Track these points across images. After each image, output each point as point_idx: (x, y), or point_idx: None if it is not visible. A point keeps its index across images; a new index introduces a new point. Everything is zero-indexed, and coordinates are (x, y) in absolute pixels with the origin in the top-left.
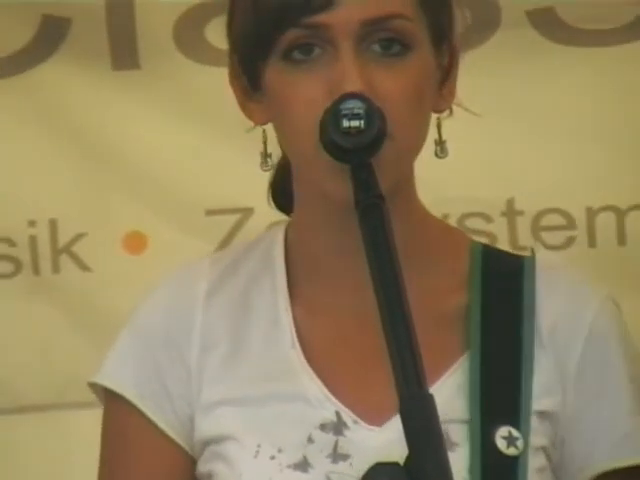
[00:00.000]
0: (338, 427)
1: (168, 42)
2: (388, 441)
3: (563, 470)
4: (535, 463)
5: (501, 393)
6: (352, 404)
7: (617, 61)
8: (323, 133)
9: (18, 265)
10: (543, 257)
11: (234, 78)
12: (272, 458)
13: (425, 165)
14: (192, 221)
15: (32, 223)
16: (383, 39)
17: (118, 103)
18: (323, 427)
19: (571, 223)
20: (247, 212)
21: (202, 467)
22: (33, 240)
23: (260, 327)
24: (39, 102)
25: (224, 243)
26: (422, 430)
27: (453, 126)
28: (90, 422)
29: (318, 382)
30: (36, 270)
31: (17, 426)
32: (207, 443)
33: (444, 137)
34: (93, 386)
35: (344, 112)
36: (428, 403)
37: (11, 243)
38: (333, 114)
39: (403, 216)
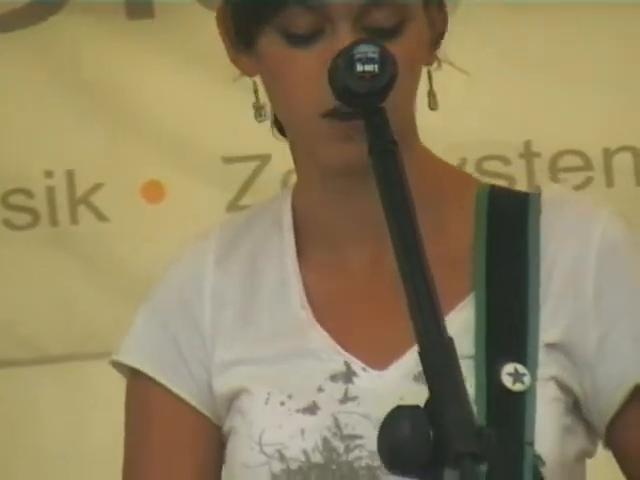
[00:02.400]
0: (347, 376)
1: None
2: (393, 381)
3: (601, 393)
4: (545, 394)
5: (507, 330)
6: (360, 353)
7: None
8: (335, 79)
9: (36, 216)
10: (549, 190)
11: (224, 28)
12: (282, 404)
13: (442, 110)
14: (209, 169)
15: (49, 174)
16: (381, 23)
17: (133, 53)
18: (333, 378)
19: (588, 164)
20: (264, 159)
21: (225, 426)
22: (50, 191)
23: (269, 289)
24: (54, 53)
25: (242, 191)
26: (442, 374)
27: (469, 71)
28: (110, 372)
29: (326, 336)
30: (54, 221)
31: (37, 377)
32: (227, 401)
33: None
34: (116, 364)
35: (358, 56)
36: (448, 348)
37: (29, 194)
38: (347, 58)
39: (406, 161)
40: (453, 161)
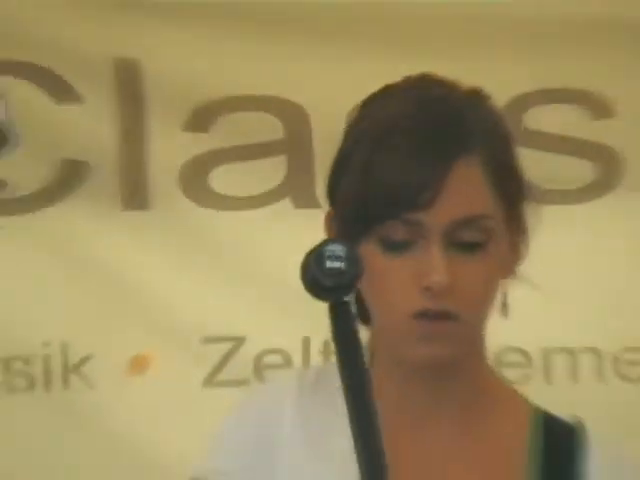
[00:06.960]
0: None
1: (174, 186)
2: None
3: None
4: None
5: None
6: None
7: None
8: (306, 272)
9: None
10: (594, 435)
11: (329, 228)
12: None
13: None
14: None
15: (46, 344)
16: (466, 239)
17: (125, 241)
18: None
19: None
20: (239, 340)
21: None
22: (47, 359)
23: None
24: (54, 237)
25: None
26: None
27: None
28: None
29: None
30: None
31: None
32: None
33: None
34: None
35: (328, 254)
36: None
37: (26, 361)
38: (317, 255)
39: (467, 375)
40: (502, 379)
